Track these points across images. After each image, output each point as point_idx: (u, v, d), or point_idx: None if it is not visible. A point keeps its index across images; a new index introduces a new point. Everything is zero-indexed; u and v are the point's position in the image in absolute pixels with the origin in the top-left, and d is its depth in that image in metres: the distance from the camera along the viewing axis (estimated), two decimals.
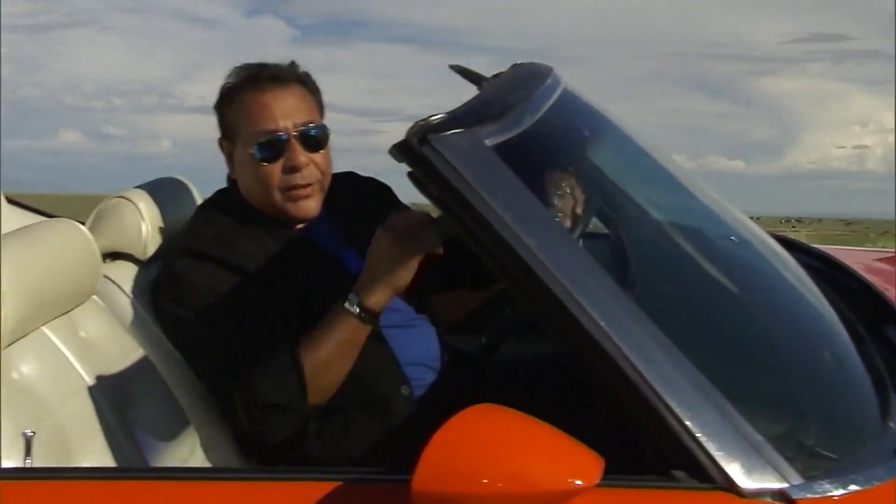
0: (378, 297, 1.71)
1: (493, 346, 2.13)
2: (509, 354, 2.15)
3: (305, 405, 1.76)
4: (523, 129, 1.42)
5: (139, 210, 2.05)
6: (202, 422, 1.91)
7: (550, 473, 1.07)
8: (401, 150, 1.28)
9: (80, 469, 1.53)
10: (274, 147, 1.89)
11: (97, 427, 1.68)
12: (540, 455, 1.08)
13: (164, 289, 1.93)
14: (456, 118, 1.31)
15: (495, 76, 1.91)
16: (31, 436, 1.43)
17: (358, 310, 1.71)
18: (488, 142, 1.31)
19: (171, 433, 1.85)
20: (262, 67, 1.96)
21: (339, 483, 1.23)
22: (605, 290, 1.22)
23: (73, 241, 1.76)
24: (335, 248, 2.02)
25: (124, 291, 1.98)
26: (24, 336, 1.62)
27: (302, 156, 1.90)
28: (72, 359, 1.72)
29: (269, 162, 1.90)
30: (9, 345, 1.54)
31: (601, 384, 1.21)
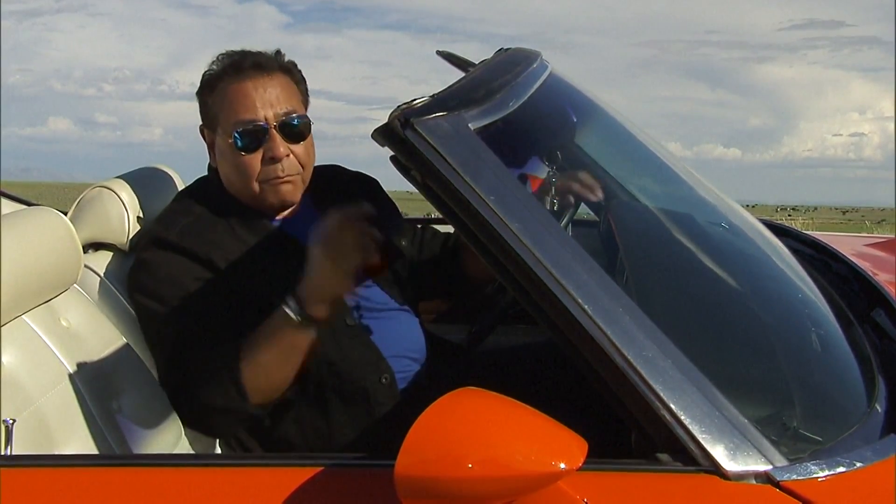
0: (318, 306, 1.69)
1: (481, 336, 2.12)
2: (495, 344, 2.15)
3: (247, 406, 1.73)
4: (508, 112, 1.41)
5: (121, 200, 2.04)
6: None
7: (534, 456, 1.06)
8: (383, 134, 1.26)
9: (61, 456, 1.52)
10: (254, 137, 1.87)
11: (79, 415, 1.67)
12: (524, 438, 1.08)
13: (132, 277, 1.91)
14: (439, 101, 1.30)
15: (482, 62, 1.91)
16: (12, 423, 1.42)
17: (298, 317, 1.69)
18: (472, 125, 1.30)
19: (156, 421, 1.84)
20: (244, 55, 1.93)
21: (323, 469, 1.22)
22: (589, 274, 1.21)
23: (53, 230, 1.75)
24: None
25: (106, 281, 1.97)
26: (4, 325, 1.61)
27: (282, 146, 1.88)
28: (53, 348, 1.70)
29: (248, 152, 1.88)
30: None
31: (585, 368, 1.20)
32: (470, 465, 1.05)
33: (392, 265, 2.09)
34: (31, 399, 1.57)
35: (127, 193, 2.05)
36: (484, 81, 1.45)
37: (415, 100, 1.29)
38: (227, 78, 1.90)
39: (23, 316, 1.68)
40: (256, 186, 1.90)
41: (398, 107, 1.28)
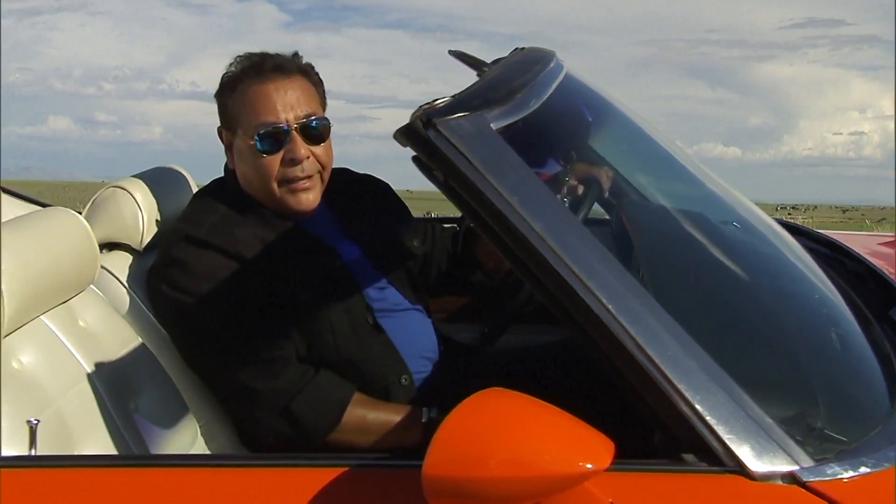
0: None
1: (494, 336, 2.12)
2: (506, 344, 2.15)
3: (321, 439, 1.79)
4: (528, 112, 1.41)
5: (135, 200, 2.04)
6: (202, 410, 1.91)
7: (562, 457, 1.06)
8: (406, 135, 1.26)
9: (83, 457, 1.52)
10: (275, 139, 1.88)
11: (98, 415, 1.67)
12: (551, 438, 1.08)
13: (160, 276, 1.91)
14: (461, 102, 1.29)
15: (495, 61, 1.90)
16: (37, 424, 1.42)
17: (426, 419, 1.80)
18: (494, 125, 1.29)
19: (173, 421, 1.84)
20: (265, 57, 1.93)
21: (348, 469, 1.22)
22: (613, 273, 1.21)
23: (70, 230, 1.75)
24: (333, 239, 2.02)
25: (121, 282, 1.97)
26: (23, 326, 1.61)
27: (303, 148, 1.89)
28: (71, 348, 1.71)
29: (269, 154, 1.88)
30: (7, 334, 1.53)
31: (609, 368, 1.20)
32: (497, 466, 1.05)
33: (405, 266, 2.13)
34: (51, 399, 1.57)
35: (141, 193, 2.06)
36: (504, 81, 1.44)
37: (436, 100, 1.29)
38: (247, 80, 1.91)
39: (41, 316, 1.68)
40: (276, 187, 1.91)
41: (420, 107, 1.28)
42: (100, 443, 1.63)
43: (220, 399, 1.91)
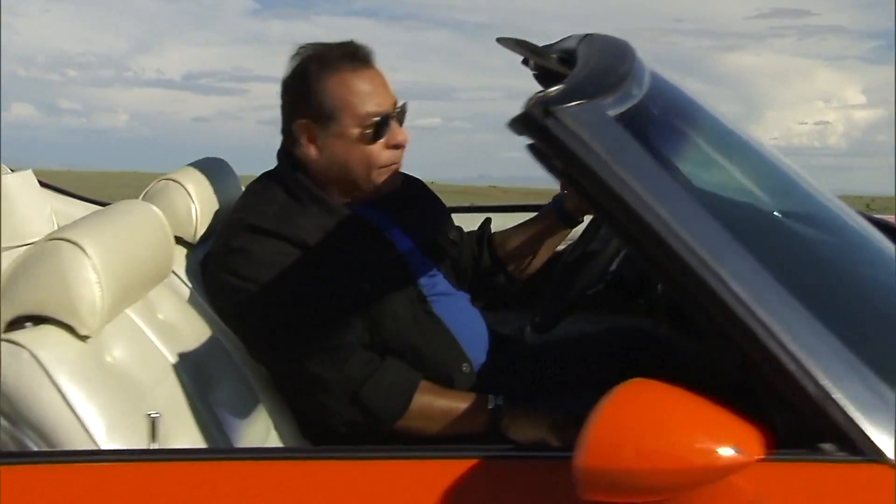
0: (520, 420, 1.78)
1: (550, 324, 2.12)
2: (550, 335, 2.15)
3: (390, 426, 1.80)
4: (637, 100, 1.39)
5: (188, 192, 2.05)
6: (270, 400, 1.91)
7: (715, 446, 1.05)
8: (522, 123, 1.24)
9: (175, 451, 1.50)
10: (384, 126, 1.91)
11: (186, 408, 1.67)
12: (703, 428, 1.06)
13: (221, 265, 1.91)
14: (576, 89, 1.27)
15: (548, 46, 1.88)
16: (158, 417, 1.40)
17: (493, 406, 1.80)
18: (610, 112, 1.28)
19: (247, 412, 1.84)
20: (350, 47, 1.96)
21: (479, 460, 1.20)
22: (742, 261, 1.19)
23: (149, 222, 1.75)
24: (387, 229, 2.04)
25: (178, 275, 1.97)
26: (111, 321, 1.60)
27: (402, 133, 1.95)
28: (156, 341, 1.71)
29: (378, 140, 1.92)
30: (99, 330, 1.52)
31: (739, 356, 1.18)
32: (654, 456, 1.04)
33: (449, 255, 2.19)
34: (143, 393, 1.56)
35: (194, 185, 2.07)
36: (611, 69, 1.43)
37: (548, 89, 1.27)
38: (343, 70, 1.92)
39: (126, 310, 1.67)
40: (377, 172, 1.94)
41: (534, 95, 1.26)
42: (190, 436, 1.62)
43: (285, 389, 1.91)
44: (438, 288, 2.08)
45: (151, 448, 1.40)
